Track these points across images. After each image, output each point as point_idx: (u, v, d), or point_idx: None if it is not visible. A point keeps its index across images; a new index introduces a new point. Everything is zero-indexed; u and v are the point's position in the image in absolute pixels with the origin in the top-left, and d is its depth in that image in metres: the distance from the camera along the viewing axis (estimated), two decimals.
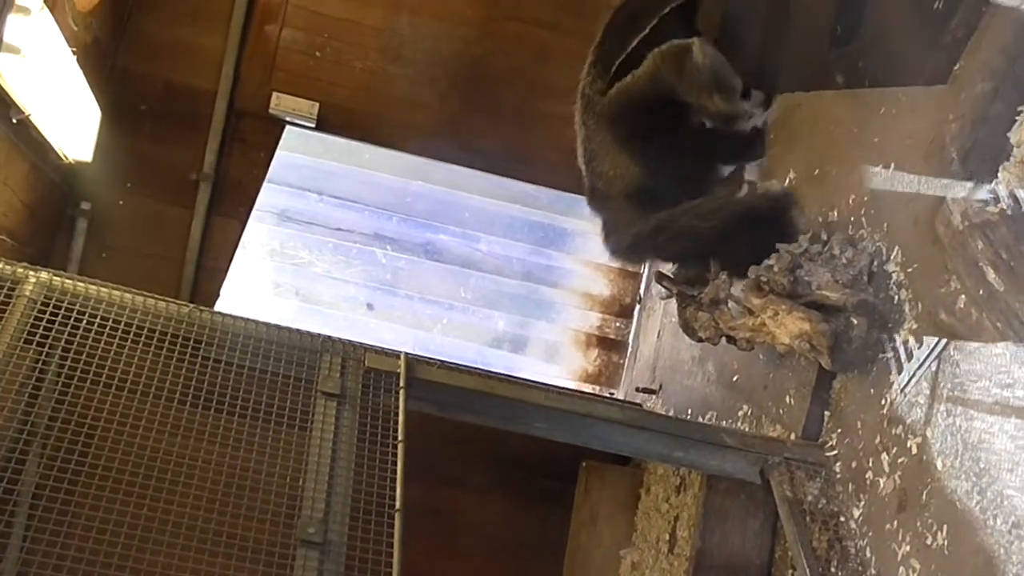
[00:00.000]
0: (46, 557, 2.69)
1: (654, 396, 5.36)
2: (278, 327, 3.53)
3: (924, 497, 2.78)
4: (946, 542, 2.64)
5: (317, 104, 5.42)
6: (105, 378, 3.16)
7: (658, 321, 5.62)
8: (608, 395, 5.96)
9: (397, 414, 3.30)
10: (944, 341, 2.82)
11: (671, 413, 4.85)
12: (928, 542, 2.71)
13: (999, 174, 2.70)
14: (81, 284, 3.43)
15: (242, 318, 3.55)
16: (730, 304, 3.72)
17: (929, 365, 2.85)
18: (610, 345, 6.12)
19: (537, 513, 5.15)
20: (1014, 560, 2.40)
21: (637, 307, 6.11)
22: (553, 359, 6.14)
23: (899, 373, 3.03)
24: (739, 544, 3.82)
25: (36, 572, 2.65)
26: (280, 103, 5.41)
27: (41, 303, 3.28)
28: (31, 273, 3.37)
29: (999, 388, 2.55)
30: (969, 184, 2.84)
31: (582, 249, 6.15)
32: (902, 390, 2.95)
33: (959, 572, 2.57)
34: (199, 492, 2.97)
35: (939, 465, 2.74)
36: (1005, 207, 2.62)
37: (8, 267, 3.37)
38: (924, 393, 2.89)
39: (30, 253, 4.82)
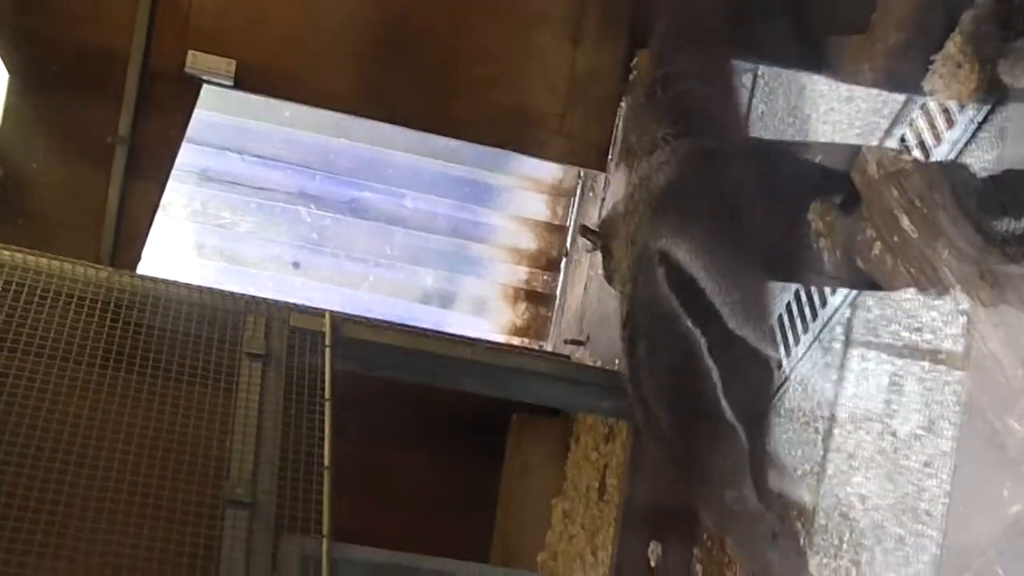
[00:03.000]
0: None
1: (582, 347, 5.42)
2: (200, 289, 3.53)
3: (838, 438, 2.87)
4: (861, 480, 2.74)
5: (234, 62, 5.33)
6: (24, 344, 3.13)
7: (584, 274, 5.68)
8: (537, 348, 6.00)
9: (324, 373, 3.31)
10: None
11: (599, 364, 4.91)
12: (852, 487, 2.80)
13: (911, 123, 2.78)
14: None
15: (163, 280, 3.53)
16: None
17: (842, 311, 2.93)
18: (538, 299, 6.17)
19: (469, 467, 5.20)
20: (925, 497, 2.50)
21: (564, 260, 6.15)
22: (482, 314, 6.17)
23: (814, 320, 3.11)
24: (667, 488, 3.89)
25: None
26: (196, 61, 5.31)
27: None
28: None
29: (908, 332, 2.64)
30: (884, 133, 2.92)
31: (508, 204, 6.16)
32: (817, 336, 3.03)
33: (877, 507, 2.66)
34: (124, 455, 2.97)
35: (852, 408, 2.82)
36: (919, 156, 2.70)
37: None
38: (838, 339, 2.97)
39: None
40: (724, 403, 2.56)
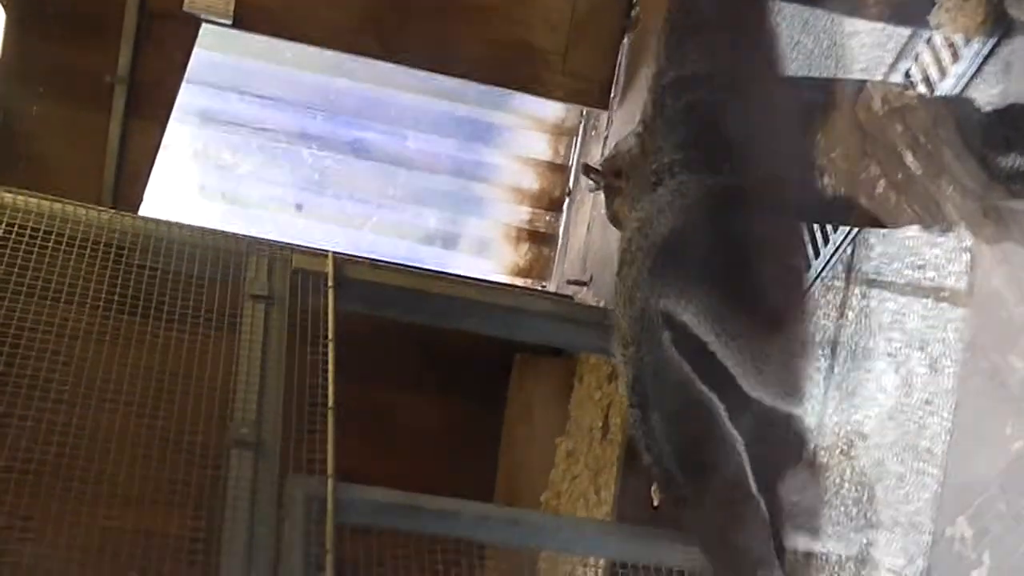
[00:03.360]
0: None
1: (585, 288, 5.42)
2: (202, 230, 3.52)
3: (838, 376, 2.87)
4: (861, 419, 2.75)
5: (233, 0, 5.28)
6: (27, 286, 3.13)
7: (587, 214, 5.65)
8: (540, 288, 6.00)
9: (327, 314, 3.32)
10: None
11: (602, 304, 4.90)
12: (854, 425, 2.81)
13: (916, 58, 2.74)
14: None
15: (165, 222, 3.53)
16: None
17: (844, 249, 2.92)
18: (541, 239, 6.15)
19: (472, 408, 5.22)
20: (926, 435, 2.51)
21: (566, 200, 6.13)
22: (484, 254, 6.16)
23: (816, 258, 3.10)
24: None
25: None
26: (195, 0, 5.26)
27: None
28: None
29: (911, 270, 2.63)
30: (888, 68, 2.89)
31: (510, 144, 6.12)
32: (819, 274, 3.03)
33: (878, 445, 2.67)
34: (129, 397, 2.99)
35: (852, 346, 2.83)
36: (923, 91, 2.67)
37: None
38: (840, 277, 2.97)
39: None
40: (751, 476, 2.29)
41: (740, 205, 2.35)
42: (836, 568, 2.78)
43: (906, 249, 2.66)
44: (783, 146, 2.62)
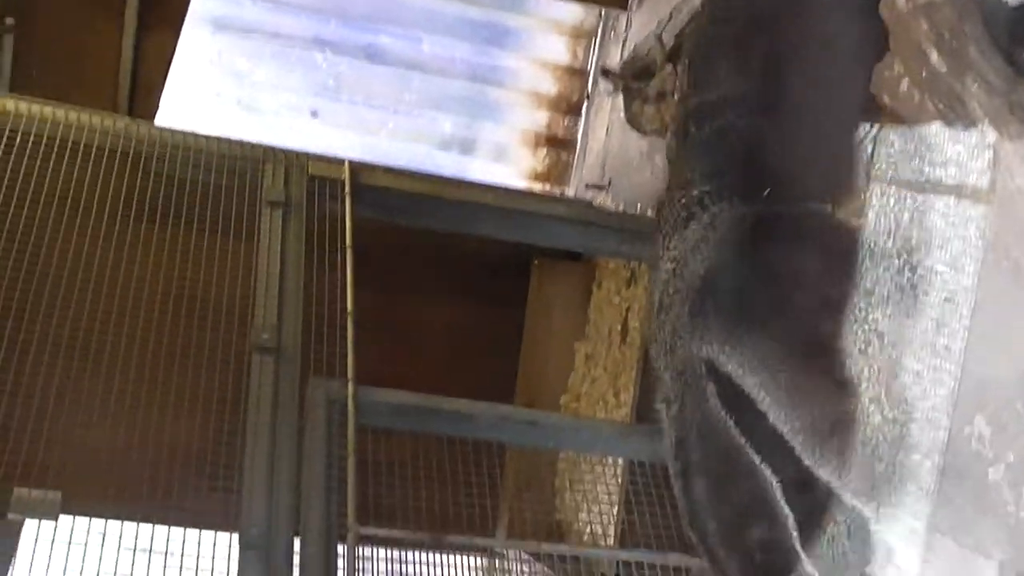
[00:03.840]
0: (10, 374, 2.74)
1: (604, 192, 5.40)
2: (218, 138, 3.51)
3: (868, 282, 2.86)
4: (879, 317, 2.74)
5: None
6: (45, 195, 3.14)
7: (606, 118, 5.60)
8: (559, 193, 5.98)
9: (344, 221, 3.31)
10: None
11: (621, 208, 4.89)
12: (871, 323, 2.81)
13: None
14: (11, 102, 3.36)
15: (180, 131, 3.51)
16: (676, 95, 3.71)
17: (865, 147, 2.88)
18: (559, 143, 6.11)
19: (492, 312, 5.25)
20: (944, 332, 2.50)
21: (585, 104, 6.07)
22: (502, 160, 6.12)
23: None
24: None
25: None
26: None
27: None
28: None
29: (931, 167, 2.60)
30: None
31: (528, 47, 6.05)
32: None
33: (895, 343, 2.68)
34: (150, 305, 3.01)
35: (871, 244, 2.81)
36: None
37: None
38: (859, 175, 2.94)
39: None
40: (804, 559, 2.06)
41: (783, 232, 2.16)
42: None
43: (927, 146, 2.62)
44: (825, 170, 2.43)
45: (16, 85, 5.04)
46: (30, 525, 2.55)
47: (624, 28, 5.56)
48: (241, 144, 3.48)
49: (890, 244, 2.72)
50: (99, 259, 3.08)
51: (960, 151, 2.51)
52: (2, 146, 3.18)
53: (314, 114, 5.93)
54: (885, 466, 2.65)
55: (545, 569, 3.42)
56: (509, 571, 3.64)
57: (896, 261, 2.69)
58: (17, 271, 2.95)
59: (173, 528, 2.63)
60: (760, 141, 2.16)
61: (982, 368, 2.38)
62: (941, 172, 2.56)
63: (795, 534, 2.07)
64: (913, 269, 2.63)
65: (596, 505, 3.74)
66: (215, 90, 5.85)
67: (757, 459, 2.03)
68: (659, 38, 4.39)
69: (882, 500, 2.61)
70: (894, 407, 2.66)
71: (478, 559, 3.54)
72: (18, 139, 3.22)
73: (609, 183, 5.36)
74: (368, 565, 2.96)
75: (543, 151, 6.10)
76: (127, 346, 2.93)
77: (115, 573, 2.46)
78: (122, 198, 3.24)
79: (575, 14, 5.98)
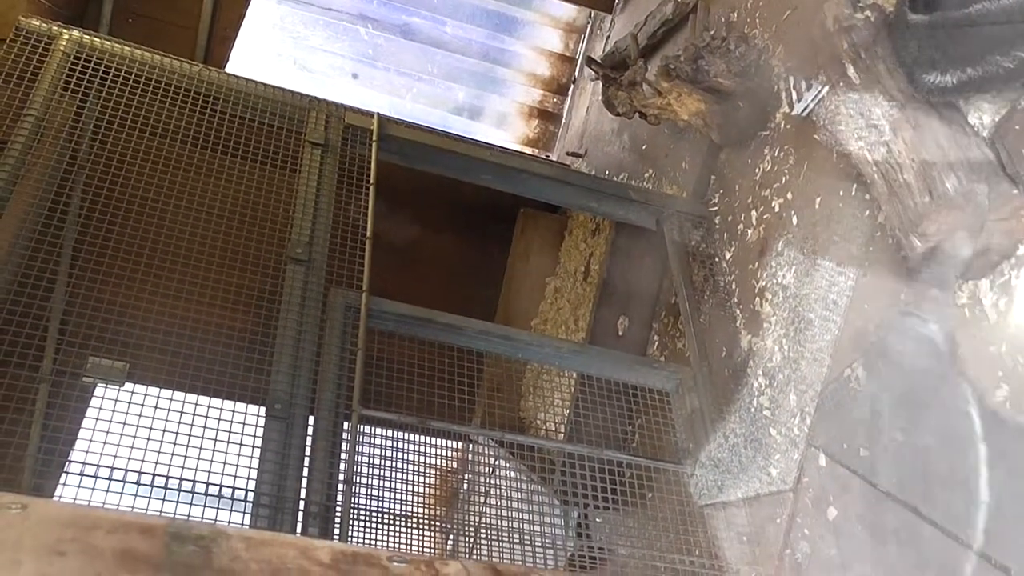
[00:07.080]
0: (94, 265, 2.73)
1: (580, 159, 5.37)
2: (273, 87, 3.45)
3: (780, 245, 2.86)
4: (792, 280, 2.75)
5: None
6: (130, 122, 3.10)
7: (588, 99, 5.56)
8: (544, 156, 5.96)
9: (370, 163, 3.29)
10: (803, 117, 2.84)
11: (593, 173, 4.88)
12: (779, 279, 2.82)
13: None
14: (107, 43, 3.31)
15: (243, 78, 3.46)
16: (644, 86, 3.68)
17: (798, 120, 2.87)
18: (548, 117, 6.07)
19: (483, 248, 5.25)
20: (834, 290, 2.51)
21: (571, 87, 6.02)
22: (502, 126, 6.09)
23: (771, 149, 3.06)
24: (636, 275, 3.94)
25: (79, 274, 2.70)
26: None
27: (74, 57, 3.18)
28: (64, 31, 3.23)
29: (838, 157, 2.60)
30: None
31: (530, 36, 6.01)
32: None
33: (803, 303, 2.69)
34: (208, 217, 3.00)
35: (794, 220, 2.81)
36: (869, 15, 2.58)
37: (44, 25, 3.24)
38: (789, 162, 2.93)
39: (66, 15, 4.59)
40: None
41: None
42: (753, 383, 2.83)
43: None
44: None
45: (114, 30, 4.96)
46: (100, 389, 2.56)
47: (608, 27, 5.49)
48: (292, 94, 3.43)
49: (802, 218, 2.72)
50: (171, 177, 3.06)
51: (862, 146, 2.51)
52: (98, 78, 3.14)
53: (354, 76, 5.87)
54: (775, 392, 2.69)
55: (508, 454, 3.45)
56: (480, 454, 3.68)
57: (800, 231, 2.70)
58: (105, 180, 2.93)
59: (214, 399, 2.64)
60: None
61: (860, 318, 2.40)
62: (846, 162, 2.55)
63: None
64: (815, 237, 2.64)
65: (552, 407, 3.77)
66: (276, 50, 5.78)
67: None
68: (634, 37, 4.34)
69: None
70: (790, 346, 2.69)
71: (455, 443, 3.58)
72: (111, 74, 3.17)
73: (585, 152, 5.34)
74: (367, 439, 2.98)
75: (535, 121, 6.07)
76: (188, 248, 2.92)
77: (165, 431, 2.47)
78: (193, 129, 3.21)
79: (569, 12, 5.92)
